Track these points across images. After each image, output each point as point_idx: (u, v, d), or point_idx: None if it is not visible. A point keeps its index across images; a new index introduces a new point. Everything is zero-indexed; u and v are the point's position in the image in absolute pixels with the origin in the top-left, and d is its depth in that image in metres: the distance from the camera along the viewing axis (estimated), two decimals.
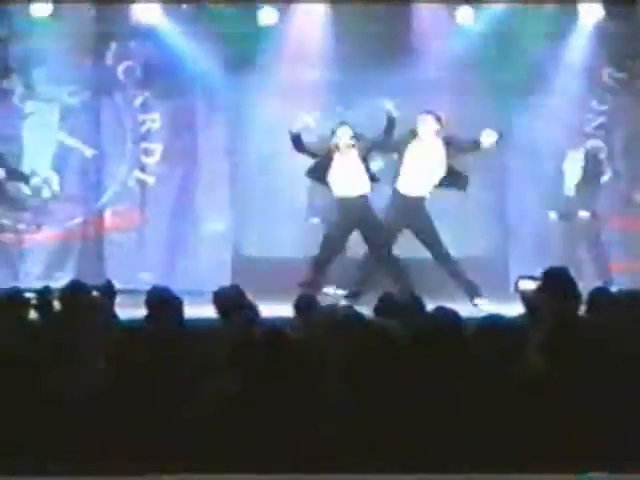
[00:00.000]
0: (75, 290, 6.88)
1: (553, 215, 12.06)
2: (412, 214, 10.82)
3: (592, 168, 12.12)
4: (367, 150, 10.76)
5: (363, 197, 10.74)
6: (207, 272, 12.05)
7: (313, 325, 5.83)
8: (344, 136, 10.67)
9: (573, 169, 12.10)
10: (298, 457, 3.77)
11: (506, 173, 12.46)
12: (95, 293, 7.17)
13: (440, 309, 5.02)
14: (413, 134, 10.86)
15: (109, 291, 7.31)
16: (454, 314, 4.93)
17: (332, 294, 10.44)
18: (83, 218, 12.47)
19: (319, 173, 10.78)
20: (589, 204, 12.02)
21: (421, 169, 10.81)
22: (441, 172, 10.83)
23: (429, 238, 10.83)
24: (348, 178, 10.70)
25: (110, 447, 3.98)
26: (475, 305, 10.43)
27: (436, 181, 10.84)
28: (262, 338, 4.09)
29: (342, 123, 10.83)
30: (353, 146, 10.66)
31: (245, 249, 12.53)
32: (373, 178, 10.78)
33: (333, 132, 10.72)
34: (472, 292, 10.69)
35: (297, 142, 10.64)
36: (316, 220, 11.92)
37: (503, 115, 12.01)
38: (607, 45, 12.31)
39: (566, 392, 4.12)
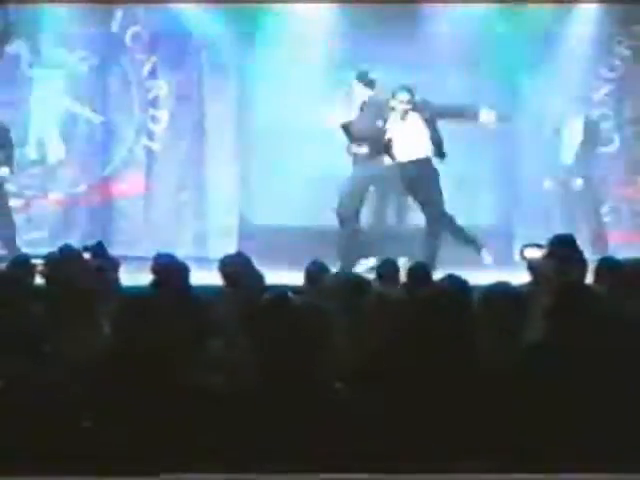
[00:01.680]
0: (65, 254, 6.93)
1: (548, 183, 12.05)
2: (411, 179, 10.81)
3: (591, 136, 12.11)
4: (430, 116, 10.75)
5: (421, 161, 10.71)
6: (213, 239, 12.08)
7: (321, 293, 5.84)
8: (403, 101, 10.66)
9: (572, 137, 12.09)
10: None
11: (513, 141, 12.42)
12: (86, 254, 7.21)
13: (449, 277, 5.05)
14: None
15: (100, 252, 7.32)
16: (462, 281, 4.97)
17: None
18: (89, 184, 12.47)
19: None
20: (586, 172, 12.02)
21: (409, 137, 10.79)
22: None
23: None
24: (406, 143, 10.68)
25: (115, 412, 4.00)
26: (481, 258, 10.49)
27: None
28: (267, 304, 4.11)
29: (402, 88, 10.79)
30: (411, 110, 10.65)
31: (252, 216, 12.53)
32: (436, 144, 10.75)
33: (393, 95, 10.70)
34: (476, 247, 10.69)
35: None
36: None
37: (511, 86, 11.99)
38: (618, 12, 12.24)
39: (570, 359, 4.13)
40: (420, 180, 10.72)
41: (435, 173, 10.72)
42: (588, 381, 4.08)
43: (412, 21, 11.98)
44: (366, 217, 11.68)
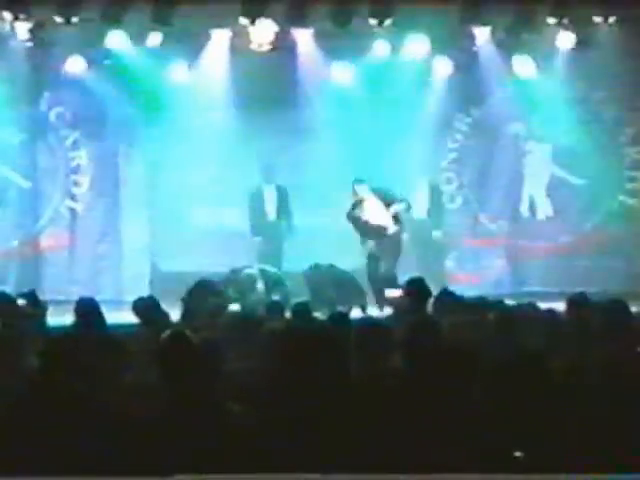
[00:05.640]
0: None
1: (406, 235, 12.24)
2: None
3: (437, 196, 12.33)
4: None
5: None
6: (128, 285, 11.96)
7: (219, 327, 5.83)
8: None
9: (422, 196, 12.29)
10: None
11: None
12: (21, 301, 7.09)
13: (333, 313, 5.09)
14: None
15: (32, 299, 7.20)
16: (343, 316, 5.02)
17: None
18: (21, 240, 12.29)
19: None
20: (438, 226, 12.24)
21: None
22: None
23: None
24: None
25: (47, 434, 3.93)
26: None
27: None
28: (167, 340, 4.11)
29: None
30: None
31: (161, 265, 12.46)
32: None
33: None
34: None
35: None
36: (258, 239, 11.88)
37: (373, 157, 12.17)
38: (458, 95, 12.52)
39: (420, 386, 4.14)
40: None
41: None
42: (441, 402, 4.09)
43: (292, 96, 12.09)
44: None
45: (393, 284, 10.07)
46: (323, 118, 12.10)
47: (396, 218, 11.31)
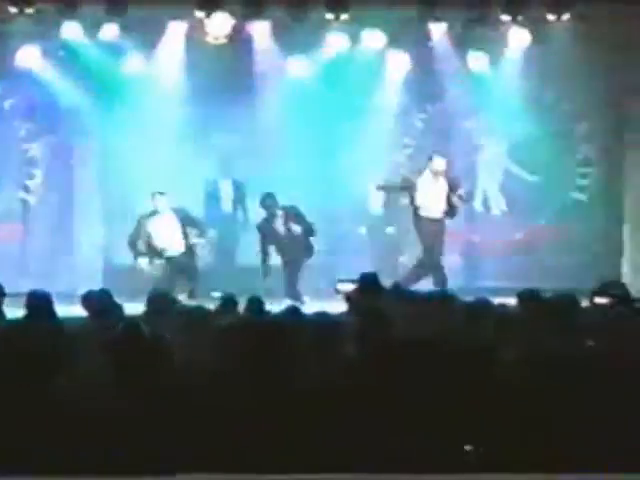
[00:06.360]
0: None
1: (362, 229, 12.27)
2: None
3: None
4: None
5: None
6: (81, 279, 11.86)
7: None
8: None
9: (377, 192, 12.31)
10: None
11: (323, 195, 12.57)
12: None
13: (287, 308, 5.09)
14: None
15: None
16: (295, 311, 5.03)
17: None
18: None
19: None
20: (393, 221, 12.28)
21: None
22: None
23: None
24: None
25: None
26: None
27: None
28: (121, 332, 4.09)
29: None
30: None
31: (115, 258, 12.38)
32: None
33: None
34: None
35: None
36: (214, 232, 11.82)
37: (328, 151, 12.16)
38: (413, 91, 12.56)
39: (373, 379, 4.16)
40: None
41: None
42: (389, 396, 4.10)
43: (248, 89, 12.06)
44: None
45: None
46: (280, 111, 12.08)
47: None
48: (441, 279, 10.81)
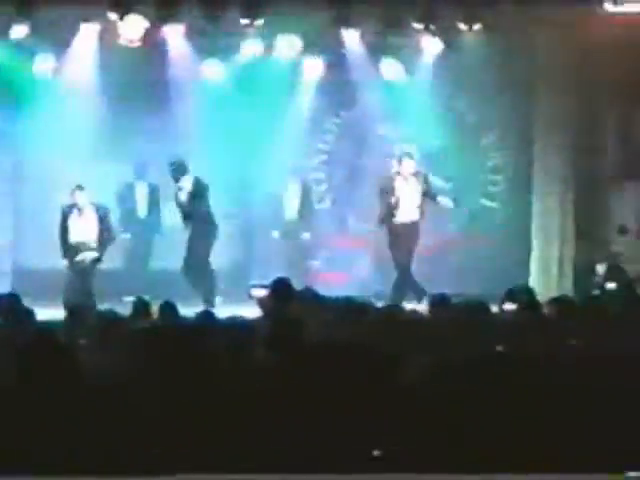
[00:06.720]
0: None
1: (277, 234, 12.29)
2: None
3: (307, 198, 12.42)
4: None
5: None
6: None
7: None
8: None
9: (292, 197, 12.36)
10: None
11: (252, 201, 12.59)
12: None
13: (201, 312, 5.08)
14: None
15: None
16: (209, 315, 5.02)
17: None
18: None
19: None
20: (308, 226, 12.33)
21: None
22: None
23: None
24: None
25: None
26: None
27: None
28: (32, 339, 4.04)
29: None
30: None
31: (25, 262, 12.18)
32: None
33: None
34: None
35: None
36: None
37: (243, 156, 12.17)
38: (328, 97, 12.63)
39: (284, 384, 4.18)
40: None
41: None
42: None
43: (163, 93, 11.98)
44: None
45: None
46: (194, 116, 12.03)
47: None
48: (419, 288, 10.70)
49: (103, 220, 10.88)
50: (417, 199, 11.09)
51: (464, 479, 3.59)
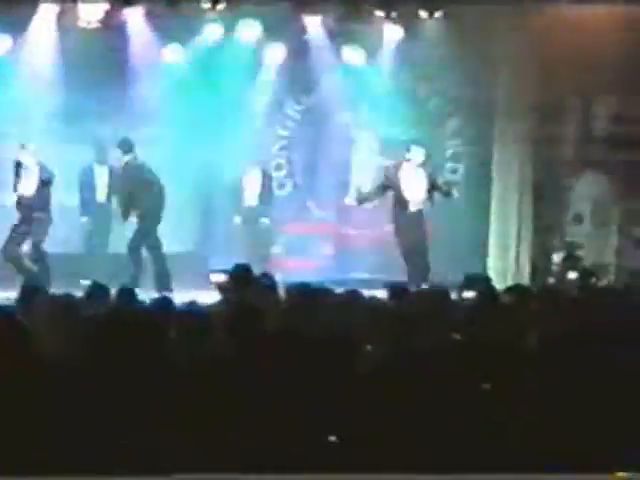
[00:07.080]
0: None
1: (238, 219, 12.26)
2: None
3: (267, 183, 12.38)
4: None
5: None
6: None
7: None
8: None
9: (253, 183, 12.32)
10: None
11: (212, 185, 12.53)
12: None
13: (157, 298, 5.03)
14: None
15: None
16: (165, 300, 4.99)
17: None
18: None
19: None
20: (268, 212, 12.30)
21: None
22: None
23: None
24: None
25: None
26: None
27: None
28: None
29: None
30: None
31: None
32: None
33: None
34: None
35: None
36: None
37: (204, 141, 12.10)
38: (289, 83, 12.59)
39: (242, 371, 4.17)
40: None
41: None
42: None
43: (122, 76, 11.86)
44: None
45: None
46: (154, 100, 11.93)
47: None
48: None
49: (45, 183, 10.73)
50: (423, 188, 11.03)
51: (464, 479, 3.57)
